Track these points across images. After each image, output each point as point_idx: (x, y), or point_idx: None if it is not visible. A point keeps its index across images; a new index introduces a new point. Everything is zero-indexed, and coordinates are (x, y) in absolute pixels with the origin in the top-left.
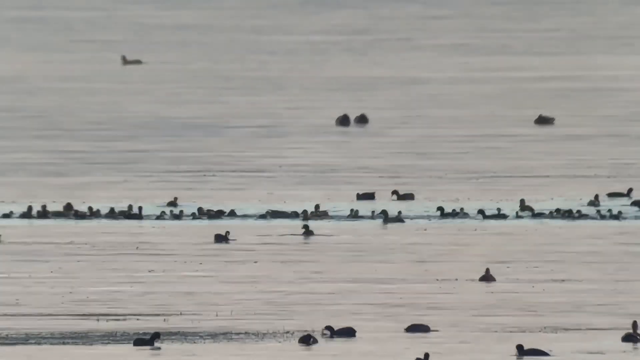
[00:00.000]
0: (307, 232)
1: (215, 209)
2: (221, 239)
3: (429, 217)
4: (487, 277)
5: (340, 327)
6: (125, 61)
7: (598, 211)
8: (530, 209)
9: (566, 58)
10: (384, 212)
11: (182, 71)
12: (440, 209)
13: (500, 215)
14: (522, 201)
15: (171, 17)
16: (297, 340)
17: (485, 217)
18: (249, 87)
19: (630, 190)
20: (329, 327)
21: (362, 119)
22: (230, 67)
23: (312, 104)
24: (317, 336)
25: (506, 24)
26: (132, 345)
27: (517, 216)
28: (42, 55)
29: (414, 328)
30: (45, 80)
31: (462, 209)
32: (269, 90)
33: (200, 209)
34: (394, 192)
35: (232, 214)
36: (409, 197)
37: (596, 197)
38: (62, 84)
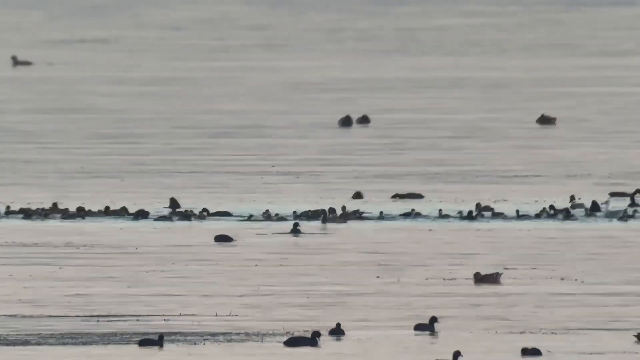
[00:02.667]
0: (295, 230)
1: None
2: (223, 239)
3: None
4: (483, 279)
5: (334, 328)
6: (15, 62)
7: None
8: (489, 209)
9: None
10: (329, 211)
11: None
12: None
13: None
14: (478, 204)
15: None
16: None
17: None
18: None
19: (637, 191)
20: (338, 325)
21: (364, 120)
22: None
23: (312, 104)
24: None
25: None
26: (130, 345)
27: (470, 216)
28: None
29: (422, 327)
30: None
31: (413, 210)
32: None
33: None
34: (396, 195)
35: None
36: (416, 197)
37: (572, 198)
38: None
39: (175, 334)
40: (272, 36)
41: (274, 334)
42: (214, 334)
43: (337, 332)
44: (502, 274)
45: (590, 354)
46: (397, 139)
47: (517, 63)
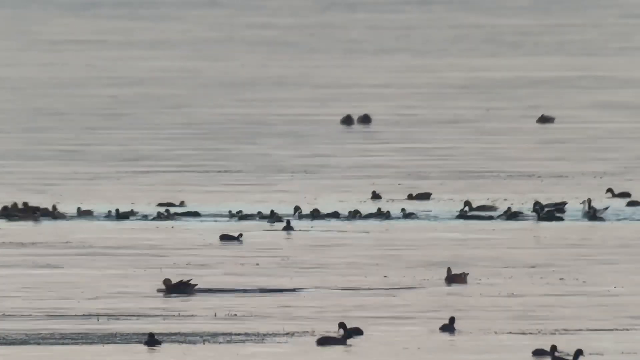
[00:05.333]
0: (288, 227)
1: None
2: (228, 238)
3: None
4: (451, 278)
5: (350, 327)
6: None
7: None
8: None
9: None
10: (271, 212)
11: None
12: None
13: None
14: (466, 202)
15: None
16: (308, 341)
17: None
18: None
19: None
20: (342, 325)
21: (366, 119)
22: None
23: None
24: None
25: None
26: (130, 345)
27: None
28: None
29: (446, 328)
30: None
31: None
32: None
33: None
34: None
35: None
36: (424, 197)
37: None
38: None
39: (175, 334)
40: None
41: (274, 335)
42: (213, 334)
43: (356, 332)
44: (468, 274)
45: (590, 354)
46: (398, 138)
47: (517, 63)
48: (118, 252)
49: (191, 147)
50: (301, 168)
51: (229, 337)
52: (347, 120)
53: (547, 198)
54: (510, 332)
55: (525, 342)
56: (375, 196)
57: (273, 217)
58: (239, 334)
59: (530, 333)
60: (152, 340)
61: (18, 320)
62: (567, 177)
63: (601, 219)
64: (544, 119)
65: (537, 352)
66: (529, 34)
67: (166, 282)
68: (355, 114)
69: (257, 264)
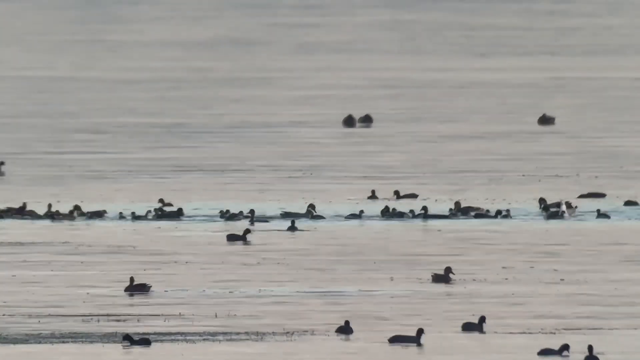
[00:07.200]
0: (292, 227)
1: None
2: (235, 238)
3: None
4: (443, 277)
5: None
6: None
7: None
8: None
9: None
10: (251, 212)
11: None
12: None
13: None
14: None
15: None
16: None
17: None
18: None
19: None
20: (347, 322)
21: (367, 119)
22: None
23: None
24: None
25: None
26: (129, 345)
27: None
28: None
29: (469, 326)
30: None
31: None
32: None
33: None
34: (395, 192)
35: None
36: (411, 197)
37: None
38: None
39: (174, 334)
40: None
41: (274, 334)
42: (213, 334)
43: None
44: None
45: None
46: (397, 137)
47: (517, 63)
48: (118, 253)
49: (190, 147)
50: (301, 169)
51: (229, 337)
52: (349, 121)
53: (546, 197)
54: (513, 332)
55: (530, 342)
56: (374, 195)
57: (252, 218)
58: (238, 334)
59: (533, 333)
60: (133, 341)
61: (18, 320)
62: (566, 177)
63: (563, 218)
64: (545, 120)
65: (544, 352)
66: (530, 34)
67: (130, 280)
68: (357, 114)
69: (258, 263)
